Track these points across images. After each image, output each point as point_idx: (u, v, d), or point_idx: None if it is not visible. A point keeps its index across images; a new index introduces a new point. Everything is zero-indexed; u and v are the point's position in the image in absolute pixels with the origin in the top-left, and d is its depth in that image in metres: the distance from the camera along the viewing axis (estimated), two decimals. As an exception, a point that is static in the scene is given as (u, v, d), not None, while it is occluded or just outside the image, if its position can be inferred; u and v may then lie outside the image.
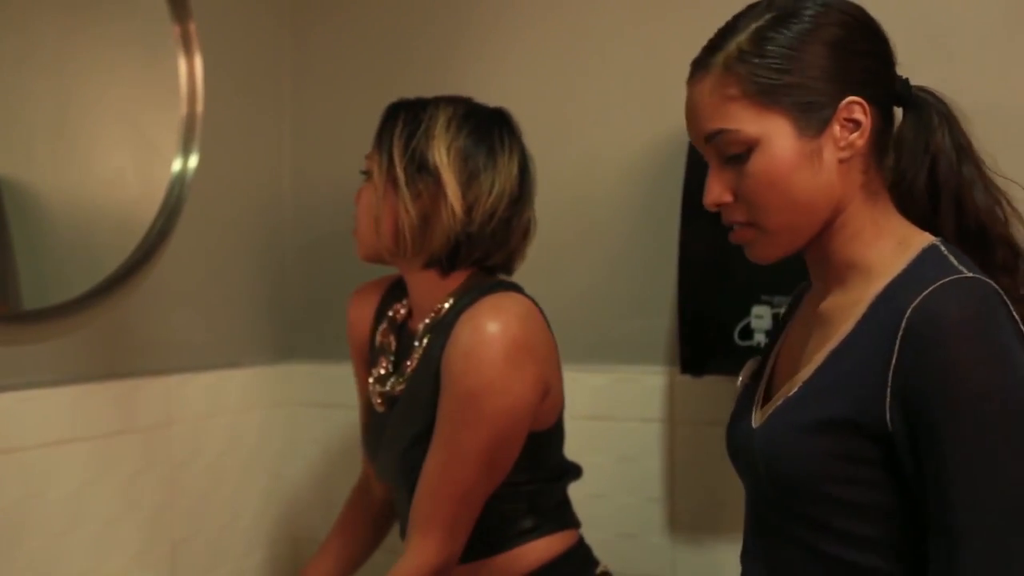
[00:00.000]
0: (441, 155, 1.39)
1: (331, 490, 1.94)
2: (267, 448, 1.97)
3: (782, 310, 1.33)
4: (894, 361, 0.95)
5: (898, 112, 1.09)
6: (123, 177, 1.66)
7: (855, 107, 1.02)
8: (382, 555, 1.66)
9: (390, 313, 1.54)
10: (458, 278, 1.45)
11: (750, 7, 1.06)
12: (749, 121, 1.01)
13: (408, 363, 1.46)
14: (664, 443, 1.77)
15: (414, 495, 1.37)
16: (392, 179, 1.41)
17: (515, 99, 1.58)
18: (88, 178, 1.59)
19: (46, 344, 1.50)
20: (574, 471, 1.51)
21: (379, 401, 1.50)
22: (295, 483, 2.03)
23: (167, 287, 1.72)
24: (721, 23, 1.07)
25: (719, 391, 1.65)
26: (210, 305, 1.86)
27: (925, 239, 1.04)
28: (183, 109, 1.71)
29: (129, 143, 1.67)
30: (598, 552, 1.52)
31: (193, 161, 1.72)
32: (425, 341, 1.43)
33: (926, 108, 1.08)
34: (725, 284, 1.59)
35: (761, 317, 1.56)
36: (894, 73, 1.08)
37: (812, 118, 1.01)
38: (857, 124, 1.03)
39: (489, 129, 1.43)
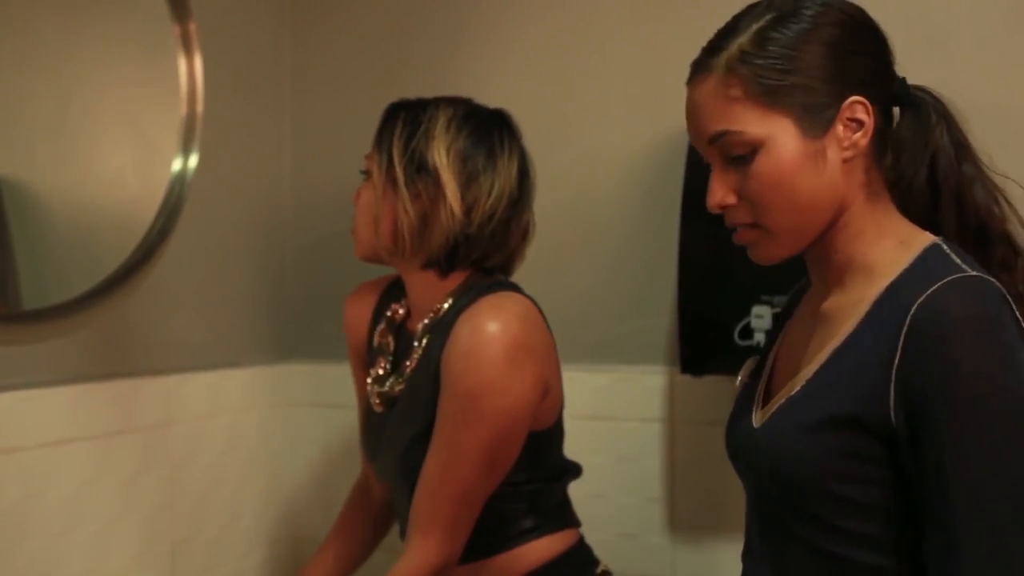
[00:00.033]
0: (441, 156, 1.39)
1: (331, 490, 1.94)
2: (267, 448, 1.97)
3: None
4: (898, 358, 0.95)
5: (895, 111, 1.09)
6: (123, 177, 1.66)
7: (858, 107, 1.02)
8: (382, 555, 1.66)
9: (388, 313, 1.54)
10: (457, 279, 1.45)
11: (749, 8, 1.06)
12: (753, 122, 1.01)
13: (407, 363, 1.46)
14: (664, 443, 1.77)
15: (414, 495, 1.37)
16: (391, 179, 1.41)
17: (515, 99, 1.58)
18: (88, 178, 1.59)
19: (46, 344, 1.50)
20: (574, 470, 1.51)
21: (377, 401, 1.50)
22: (295, 483, 2.03)
23: (167, 287, 1.72)
24: (721, 23, 1.07)
25: (719, 391, 1.65)
26: (210, 305, 1.86)
27: (927, 238, 1.04)
28: (183, 109, 1.71)
29: (129, 143, 1.67)
30: (598, 552, 1.52)
31: (193, 161, 1.72)
32: (424, 341, 1.43)
33: (924, 107, 1.09)
34: (725, 284, 1.59)
35: (761, 317, 1.56)
36: (893, 72, 1.08)
37: (816, 119, 1.01)
38: (860, 124, 1.03)
39: (489, 130, 1.43)
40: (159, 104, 1.69)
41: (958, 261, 0.99)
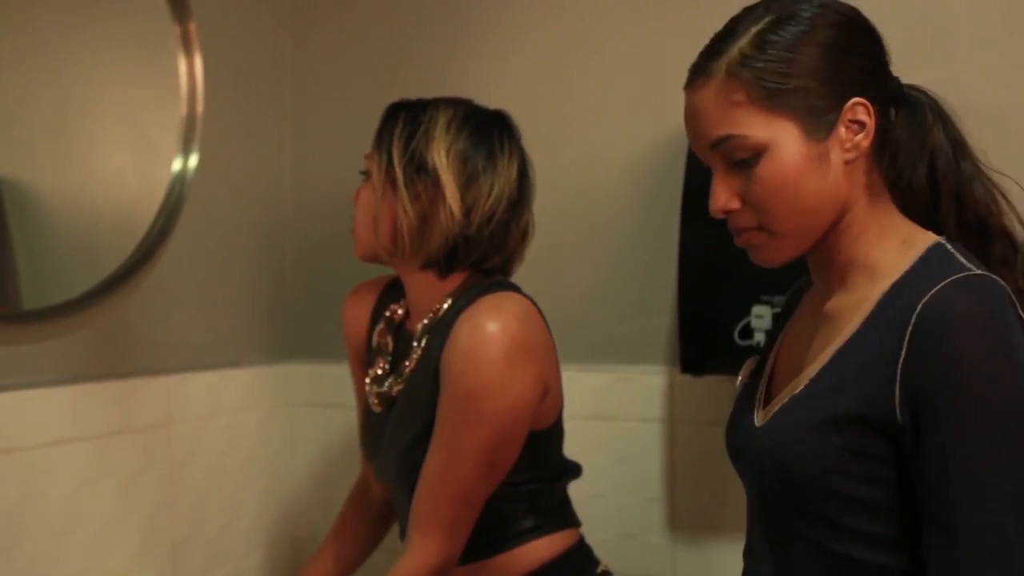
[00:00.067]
0: (440, 157, 1.39)
1: (331, 490, 1.94)
2: (267, 448, 1.97)
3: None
4: (903, 356, 0.95)
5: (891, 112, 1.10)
6: (123, 177, 1.66)
7: (859, 108, 1.02)
8: (382, 555, 1.66)
9: (387, 314, 1.54)
10: (456, 279, 1.45)
11: (746, 11, 1.06)
12: (757, 126, 1.01)
13: (406, 363, 1.46)
14: (664, 443, 1.77)
15: (414, 495, 1.37)
16: (391, 180, 1.41)
17: (515, 99, 1.58)
18: (88, 178, 1.59)
19: (46, 344, 1.50)
20: (574, 470, 1.51)
21: (376, 402, 1.50)
22: (295, 483, 2.04)
23: (167, 287, 1.72)
24: (721, 23, 1.07)
25: (719, 391, 1.65)
26: (210, 305, 1.86)
27: (929, 238, 1.04)
28: (183, 109, 1.71)
29: (129, 143, 1.67)
30: (598, 552, 1.52)
31: (193, 161, 1.72)
32: (424, 341, 1.43)
33: (919, 106, 1.09)
34: (725, 284, 1.59)
35: (761, 317, 1.57)
36: (890, 72, 1.08)
37: (819, 122, 1.01)
38: (862, 125, 1.03)
39: (489, 131, 1.43)
40: (159, 104, 1.69)
41: (962, 260, 1.00)
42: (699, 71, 1.04)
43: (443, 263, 1.43)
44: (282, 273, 2.05)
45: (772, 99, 1.00)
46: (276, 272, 2.04)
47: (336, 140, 2.01)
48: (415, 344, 1.45)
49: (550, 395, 1.41)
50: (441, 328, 1.40)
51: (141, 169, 1.68)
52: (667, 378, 1.77)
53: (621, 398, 1.79)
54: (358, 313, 1.60)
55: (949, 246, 1.02)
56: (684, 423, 1.76)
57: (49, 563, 1.48)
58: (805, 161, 1.01)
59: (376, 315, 1.58)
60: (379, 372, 1.52)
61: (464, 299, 1.41)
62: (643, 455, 1.78)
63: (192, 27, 1.70)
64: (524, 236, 1.48)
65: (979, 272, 0.98)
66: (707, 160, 1.07)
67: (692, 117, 1.06)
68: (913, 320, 0.95)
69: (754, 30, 1.02)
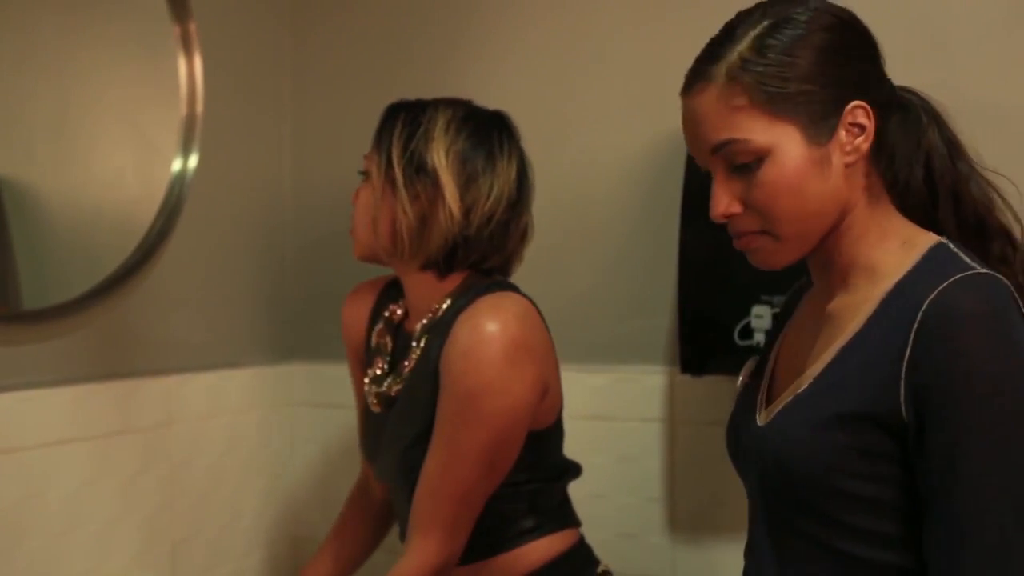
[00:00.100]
0: (440, 157, 1.39)
1: (331, 490, 1.94)
2: (267, 448, 1.97)
3: (781, 310, 1.33)
4: (908, 354, 0.96)
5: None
6: (123, 177, 1.66)
7: (859, 111, 1.03)
8: (382, 555, 1.66)
9: (386, 314, 1.54)
10: (455, 279, 1.45)
11: (742, 15, 1.06)
12: (759, 130, 1.01)
13: (405, 363, 1.46)
14: (664, 443, 1.77)
15: (414, 495, 1.37)
16: (390, 180, 1.41)
17: (515, 99, 1.58)
18: (88, 178, 1.59)
19: (46, 344, 1.50)
20: (574, 470, 1.51)
21: (374, 402, 1.50)
22: (295, 483, 2.04)
23: (167, 287, 1.72)
24: (721, 23, 1.07)
25: (719, 391, 1.65)
26: (210, 305, 1.86)
27: (931, 238, 1.05)
28: (183, 109, 1.71)
29: (129, 143, 1.67)
30: (598, 552, 1.52)
31: (193, 161, 1.72)
32: (423, 342, 1.43)
33: (912, 108, 1.10)
34: (725, 284, 1.59)
35: (761, 317, 1.57)
36: (885, 75, 1.08)
37: (821, 125, 1.02)
38: (862, 128, 1.03)
39: (488, 132, 1.43)
40: (159, 104, 1.69)
41: (966, 259, 1.00)
42: (697, 76, 1.04)
43: (442, 263, 1.43)
44: (282, 273, 2.05)
45: (774, 103, 1.00)
46: (276, 272, 2.04)
47: (336, 140, 2.01)
48: (414, 344, 1.45)
49: (549, 395, 1.41)
50: (440, 328, 1.40)
51: (141, 169, 1.68)
52: (667, 378, 1.77)
53: (621, 398, 1.79)
54: (357, 313, 1.60)
55: (952, 246, 1.03)
56: (684, 423, 1.76)
57: (49, 563, 1.48)
58: (807, 165, 1.01)
59: (375, 315, 1.58)
60: (378, 372, 1.52)
61: (463, 299, 1.41)
62: (643, 455, 1.78)
63: (192, 27, 1.70)
64: (523, 236, 1.48)
65: (983, 271, 0.98)
66: (707, 165, 1.06)
67: (691, 122, 1.06)
68: (919, 318, 0.95)
69: (752, 34, 1.02)
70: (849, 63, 1.03)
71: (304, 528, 2.02)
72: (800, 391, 1.06)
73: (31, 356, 1.48)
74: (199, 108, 1.73)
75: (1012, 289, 0.97)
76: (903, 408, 0.96)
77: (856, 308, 1.04)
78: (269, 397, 1.98)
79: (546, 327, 1.43)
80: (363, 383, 1.54)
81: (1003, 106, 1.56)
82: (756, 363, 1.22)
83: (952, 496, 0.94)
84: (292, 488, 2.03)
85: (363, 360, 1.58)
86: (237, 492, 1.88)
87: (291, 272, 2.06)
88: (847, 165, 1.03)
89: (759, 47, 1.01)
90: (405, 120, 1.43)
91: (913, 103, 1.10)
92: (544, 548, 1.44)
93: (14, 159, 1.49)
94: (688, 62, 1.07)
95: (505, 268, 1.49)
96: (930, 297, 0.95)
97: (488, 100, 1.49)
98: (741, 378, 1.21)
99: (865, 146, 1.04)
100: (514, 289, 1.45)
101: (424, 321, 1.45)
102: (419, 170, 1.40)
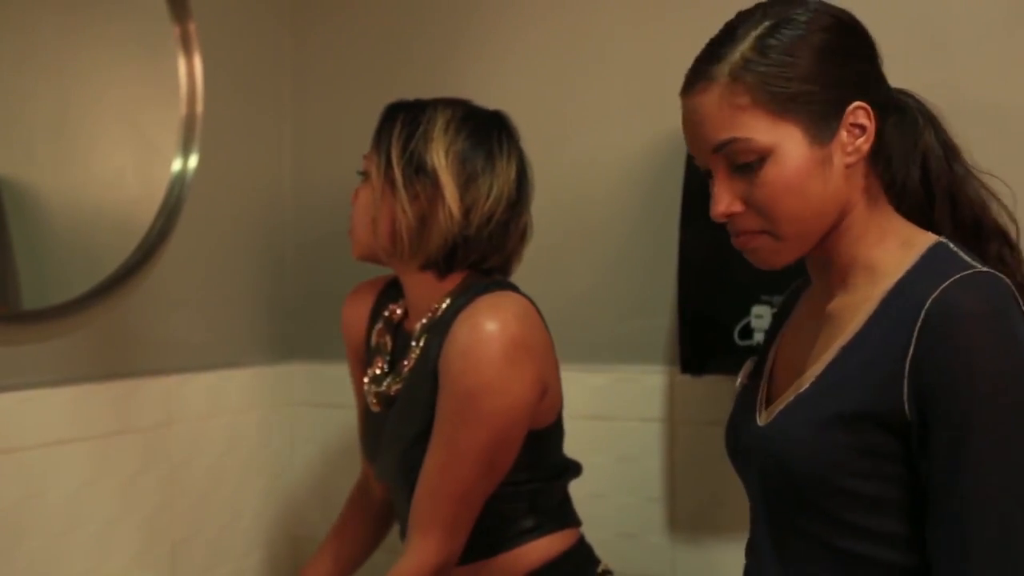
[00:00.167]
0: (439, 157, 1.39)
1: (330, 490, 1.94)
2: (267, 448, 1.97)
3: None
4: (911, 353, 0.96)
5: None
6: (123, 177, 1.66)
7: (860, 112, 1.03)
8: (382, 555, 1.66)
9: (386, 313, 1.54)
10: (455, 279, 1.44)
11: (743, 16, 1.06)
12: (762, 130, 1.01)
13: (404, 363, 1.46)
14: (664, 443, 1.77)
15: (413, 495, 1.37)
16: (390, 180, 1.41)
17: (515, 99, 1.58)
18: (88, 178, 1.59)
19: (46, 344, 1.50)
20: (574, 469, 1.51)
21: (374, 401, 1.50)
22: (295, 483, 2.04)
23: (167, 287, 1.72)
24: (721, 23, 1.07)
25: (719, 391, 1.65)
26: (210, 305, 1.86)
27: (929, 238, 1.05)
28: (183, 109, 1.71)
29: (129, 143, 1.67)
30: (598, 552, 1.52)
31: (193, 161, 1.72)
32: (422, 341, 1.43)
33: (909, 110, 1.10)
34: (725, 284, 1.59)
35: (761, 317, 1.57)
36: (883, 76, 1.08)
37: (823, 126, 1.02)
38: (863, 129, 1.03)
39: (488, 132, 1.43)
40: (159, 104, 1.69)
41: (966, 258, 1.01)
42: (699, 75, 1.04)
43: (442, 263, 1.43)
44: (282, 273, 2.05)
45: (777, 103, 1.01)
46: (276, 272, 2.04)
47: (336, 140, 2.01)
48: (413, 344, 1.45)
49: (549, 394, 1.41)
50: (439, 328, 1.40)
51: (141, 169, 1.68)
52: (667, 378, 1.77)
53: (621, 398, 1.79)
54: (357, 313, 1.60)
55: (951, 245, 1.03)
56: (684, 423, 1.76)
57: (49, 563, 1.48)
58: (809, 165, 1.02)
59: (375, 315, 1.58)
60: (377, 372, 1.52)
61: (463, 299, 1.41)
62: (643, 455, 1.78)
63: (192, 27, 1.70)
64: (523, 236, 1.48)
65: (984, 269, 0.98)
66: (708, 164, 1.06)
67: (693, 121, 1.05)
68: (921, 317, 0.96)
69: (754, 34, 1.02)
70: (849, 64, 1.04)
71: (304, 528, 2.02)
72: (801, 391, 1.06)
73: (31, 356, 1.48)
74: (199, 108, 1.73)
75: (1012, 287, 0.98)
76: (906, 407, 0.96)
77: (856, 308, 1.04)
78: (269, 397, 1.98)
79: (545, 326, 1.43)
80: (362, 383, 1.54)
81: (1003, 106, 1.56)
82: (755, 364, 1.22)
83: (955, 494, 0.94)
84: (292, 488, 2.03)
85: (363, 360, 1.58)
86: (237, 492, 1.88)
87: (291, 272, 2.06)
88: (848, 166, 1.04)
89: (761, 47, 1.01)
90: (404, 120, 1.43)
91: (910, 105, 1.11)
92: (544, 548, 1.44)
93: (14, 159, 1.49)
94: (688, 62, 1.07)
95: (505, 268, 1.49)
96: (932, 296, 0.96)
97: (488, 100, 1.49)
98: (740, 379, 1.22)
99: (866, 147, 1.04)
100: (514, 289, 1.45)
101: (424, 321, 1.45)
102: (418, 170, 1.40)
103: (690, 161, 1.62)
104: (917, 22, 1.60)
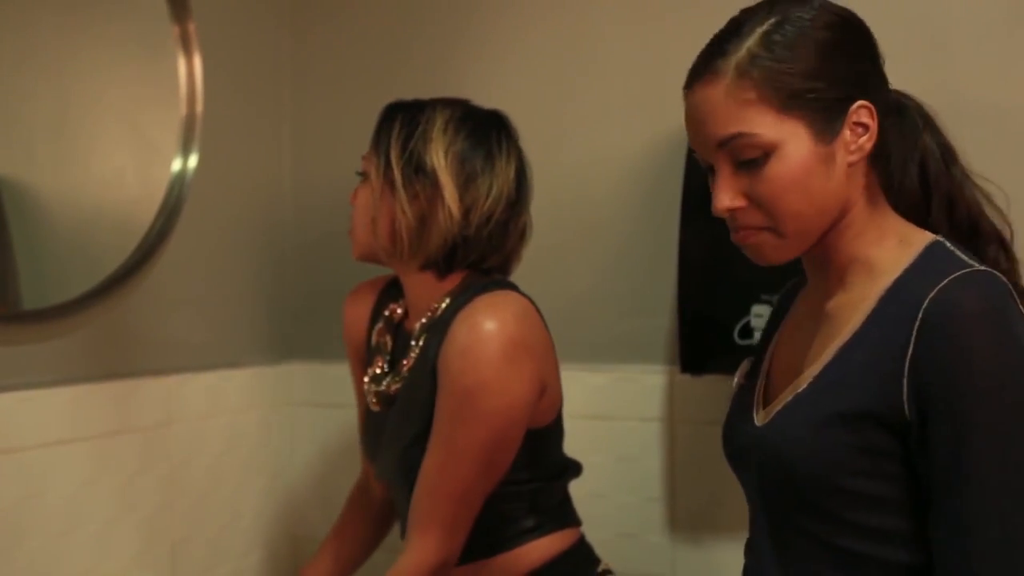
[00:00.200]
0: (439, 157, 1.39)
1: (330, 490, 1.94)
2: (266, 448, 1.97)
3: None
4: (911, 351, 0.96)
5: None
6: (123, 177, 1.66)
7: (863, 111, 1.03)
8: (382, 554, 1.66)
9: (386, 313, 1.55)
10: (454, 279, 1.45)
11: (748, 12, 1.06)
12: (768, 125, 1.01)
13: (404, 362, 1.46)
14: (664, 442, 1.77)
15: (413, 494, 1.37)
16: (389, 181, 1.41)
17: (515, 99, 1.58)
18: (88, 178, 1.59)
19: (45, 344, 1.50)
20: (574, 468, 1.51)
21: (374, 401, 1.50)
22: (294, 483, 2.04)
23: (167, 287, 1.72)
24: (721, 23, 1.07)
25: (719, 390, 1.65)
26: (210, 305, 1.86)
27: (927, 237, 1.05)
28: (183, 109, 1.71)
29: (129, 143, 1.67)
30: (598, 551, 1.52)
31: (193, 161, 1.72)
32: (422, 340, 1.43)
33: (908, 111, 1.11)
34: (725, 283, 1.59)
35: (761, 316, 1.57)
36: (885, 76, 1.08)
37: (828, 124, 1.02)
38: (866, 128, 1.04)
39: (487, 132, 1.43)
40: (159, 104, 1.69)
41: (963, 257, 1.01)
42: (704, 69, 1.04)
43: (442, 263, 1.43)
44: (282, 273, 2.05)
45: (783, 99, 1.01)
46: (276, 272, 2.04)
47: (336, 140, 2.01)
48: (413, 343, 1.45)
49: (548, 393, 1.41)
50: (439, 327, 1.40)
51: (141, 169, 1.68)
52: (667, 377, 1.77)
53: (621, 397, 1.79)
54: (358, 312, 1.60)
55: (948, 244, 1.04)
56: (684, 422, 1.76)
57: (49, 563, 1.48)
58: (813, 162, 1.02)
59: (376, 314, 1.58)
60: (378, 371, 1.52)
61: (462, 298, 1.41)
62: (643, 454, 1.78)
63: (191, 27, 1.70)
64: (522, 236, 1.48)
65: (982, 268, 0.99)
66: (711, 159, 1.06)
67: (698, 116, 1.05)
68: (920, 315, 0.96)
69: (760, 31, 1.02)
70: (853, 62, 1.04)
71: (304, 528, 2.02)
72: (799, 391, 1.06)
73: (31, 356, 1.48)
74: (199, 108, 1.73)
75: (1009, 285, 0.98)
76: (906, 406, 0.96)
77: (854, 307, 1.04)
78: (269, 397, 1.98)
79: (545, 325, 1.43)
80: (363, 382, 1.54)
81: (1003, 106, 1.56)
82: (751, 363, 1.22)
83: (956, 492, 0.94)
84: (292, 488, 2.03)
85: (364, 359, 1.58)
86: (237, 492, 1.88)
87: (291, 272, 2.06)
88: (850, 164, 1.04)
89: (768, 43, 1.01)
90: (403, 120, 1.43)
91: (908, 106, 1.11)
92: (544, 547, 1.44)
93: (14, 159, 1.49)
94: (687, 62, 1.07)
95: (504, 267, 1.49)
96: (930, 295, 0.96)
97: (488, 100, 1.49)
98: (736, 378, 1.22)
99: (868, 145, 1.04)
100: (513, 288, 1.45)
101: (423, 320, 1.45)
102: (418, 170, 1.40)
103: (690, 161, 1.62)
104: (917, 22, 1.60)
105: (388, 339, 1.54)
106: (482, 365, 1.32)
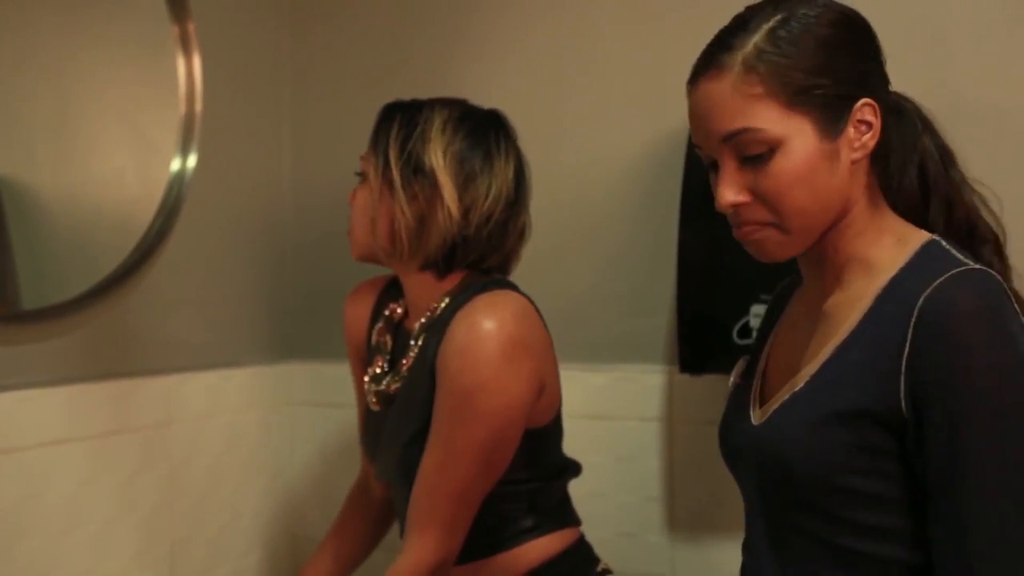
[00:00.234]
0: (437, 158, 1.39)
1: (330, 489, 1.94)
2: (266, 448, 1.97)
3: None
4: (907, 349, 0.96)
5: None
6: (122, 177, 1.66)
7: (867, 109, 1.03)
8: (381, 554, 1.66)
9: (386, 312, 1.55)
10: (454, 279, 1.44)
11: (753, 9, 1.06)
12: (774, 121, 1.01)
13: (404, 362, 1.46)
14: (663, 442, 1.77)
15: (411, 493, 1.37)
16: (388, 181, 1.41)
17: (514, 99, 1.58)
18: (87, 178, 1.59)
19: (45, 344, 1.51)
20: (573, 468, 1.51)
21: (374, 400, 1.50)
22: (294, 482, 2.04)
23: (166, 287, 1.72)
24: (720, 23, 1.07)
25: (718, 390, 1.64)
26: (209, 305, 1.86)
27: (923, 235, 1.06)
28: (182, 109, 1.71)
29: (128, 143, 1.67)
30: (598, 551, 1.52)
31: (192, 161, 1.72)
32: (421, 340, 1.43)
33: (906, 112, 1.11)
34: (724, 283, 1.59)
35: (760, 316, 1.56)
36: (887, 75, 1.09)
37: (833, 120, 1.02)
38: (869, 126, 1.04)
39: (485, 132, 1.43)
40: (158, 104, 1.69)
41: (958, 255, 1.01)
42: (710, 64, 1.03)
43: (441, 263, 1.43)
44: (281, 272, 2.05)
45: (789, 95, 1.01)
46: (275, 271, 2.04)
47: (335, 140, 2.01)
48: (412, 342, 1.45)
49: (547, 393, 1.41)
50: (438, 327, 1.40)
51: (140, 169, 1.68)
52: (666, 377, 1.77)
53: (620, 397, 1.79)
54: (359, 312, 1.60)
55: (944, 243, 1.04)
56: (683, 422, 1.76)
57: (48, 563, 1.49)
58: (818, 158, 1.02)
59: (376, 314, 1.58)
60: (378, 371, 1.52)
61: (461, 298, 1.41)
62: (642, 454, 1.78)
63: (191, 27, 1.70)
64: (521, 235, 1.48)
65: (976, 266, 0.99)
66: (714, 154, 1.06)
67: (702, 111, 1.05)
68: (915, 314, 0.96)
69: (766, 27, 1.02)
70: (857, 60, 1.04)
71: (303, 527, 2.02)
72: (796, 390, 1.06)
73: (30, 356, 1.48)
74: (198, 108, 1.73)
75: (1004, 284, 0.98)
76: (903, 404, 0.97)
77: (851, 305, 1.05)
78: (268, 396, 1.98)
79: (544, 325, 1.43)
80: (363, 382, 1.54)
81: (1003, 106, 1.56)
82: (747, 363, 1.22)
83: (954, 490, 0.95)
84: (291, 487, 2.03)
85: (364, 359, 1.58)
86: (236, 491, 1.88)
87: (290, 271, 2.06)
88: (854, 161, 1.04)
89: (774, 39, 1.01)
90: (401, 121, 1.42)
91: (907, 108, 1.11)
92: (544, 547, 1.44)
93: (13, 159, 1.49)
94: (687, 62, 1.07)
95: (504, 267, 1.49)
96: (925, 293, 0.96)
97: (487, 100, 1.49)
98: (732, 378, 1.22)
99: (872, 143, 1.04)
100: (512, 287, 1.45)
101: (423, 320, 1.45)
102: (417, 171, 1.40)
103: (689, 161, 1.62)
104: (917, 22, 1.60)
105: (388, 338, 1.54)
106: (480, 364, 1.32)
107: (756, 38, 1.02)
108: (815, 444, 1.01)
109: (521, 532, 1.43)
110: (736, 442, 1.15)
